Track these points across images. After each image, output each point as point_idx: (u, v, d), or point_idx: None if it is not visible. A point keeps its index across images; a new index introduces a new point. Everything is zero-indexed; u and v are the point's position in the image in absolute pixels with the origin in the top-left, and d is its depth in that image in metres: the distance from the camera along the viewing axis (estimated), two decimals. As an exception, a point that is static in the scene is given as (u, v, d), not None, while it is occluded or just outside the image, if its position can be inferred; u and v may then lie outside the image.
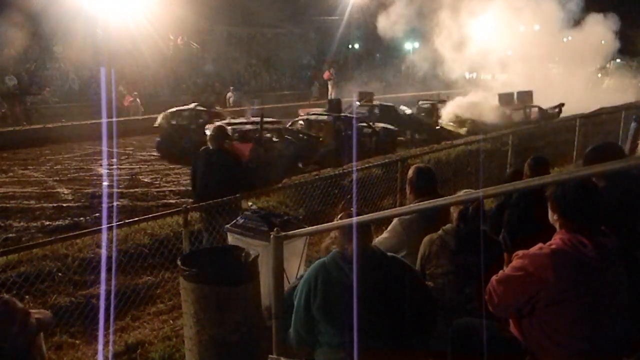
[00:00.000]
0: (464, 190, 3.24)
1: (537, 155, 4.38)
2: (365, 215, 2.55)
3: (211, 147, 5.84)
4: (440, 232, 3.08)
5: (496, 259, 2.89)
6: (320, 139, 12.99)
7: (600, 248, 2.20)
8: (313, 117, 14.40)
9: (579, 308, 2.18)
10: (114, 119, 17.64)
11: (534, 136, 10.68)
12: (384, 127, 14.99)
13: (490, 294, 2.37)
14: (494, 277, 2.39)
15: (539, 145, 10.21)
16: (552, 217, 2.37)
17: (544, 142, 10.77)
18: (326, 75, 31.08)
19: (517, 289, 2.28)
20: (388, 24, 23.85)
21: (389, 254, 2.64)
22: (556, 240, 2.27)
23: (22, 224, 8.71)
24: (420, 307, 2.55)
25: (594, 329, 2.19)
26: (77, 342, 4.53)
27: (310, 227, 3.48)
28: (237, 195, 5.28)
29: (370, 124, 14.66)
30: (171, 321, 4.84)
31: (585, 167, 2.63)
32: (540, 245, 2.29)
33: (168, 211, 5.29)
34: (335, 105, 16.23)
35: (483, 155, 9.33)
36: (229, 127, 11.11)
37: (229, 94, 25.14)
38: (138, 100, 22.53)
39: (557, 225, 2.34)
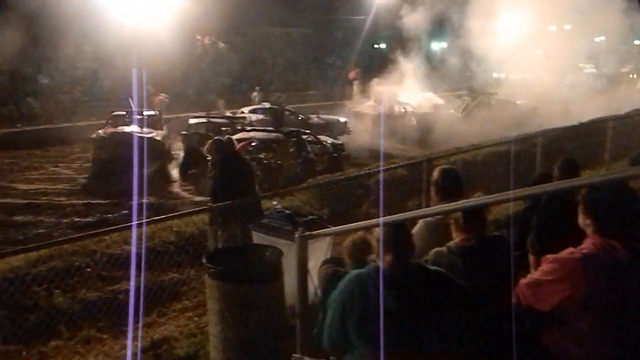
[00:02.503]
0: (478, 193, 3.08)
1: (567, 157, 4.26)
2: (393, 216, 2.51)
3: (231, 156, 5.87)
4: (444, 249, 2.78)
5: (517, 267, 2.69)
6: (279, 164, 10.28)
7: (635, 253, 2.14)
8: (261, 134, 11.37)
9: (611, 313, 2.13)
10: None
11: (564, 138, 10.41)
12: (332, 143, 12.69)
13: (518, 298, 2.33)
14: (522, 281, 2.34)
15: (570, 147, 9.95)
16: (584, 221, 2.30)
17: (574, 144, 10.49)
18: (352, 75, 30.94)
19: (547, 293, 2.23)
20: (414, 22, 23.64)
21: (432, 267, 2.47)
22: (587, 244, 2.22)
23: (52, 219, 8.93)
24: (462, 329, 2.37)
25: (626, 334, 2.13)
26: (105, 336, 4.62)
27: (334, 227, 3.47)
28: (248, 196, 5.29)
29: (318, 138, 12.32)
30: (196, 318, 4.90)
31: (618, 170, 2.55)
32: (571, 249, 2.24)
33: (194, 209, 5.35)
34: (277, 118, 13.82)
35: (513, 156, 9.13)
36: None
37: (254, 94, 25.28)
38: (166, 100, 22.84)
39: (589, 230, 2.28)
